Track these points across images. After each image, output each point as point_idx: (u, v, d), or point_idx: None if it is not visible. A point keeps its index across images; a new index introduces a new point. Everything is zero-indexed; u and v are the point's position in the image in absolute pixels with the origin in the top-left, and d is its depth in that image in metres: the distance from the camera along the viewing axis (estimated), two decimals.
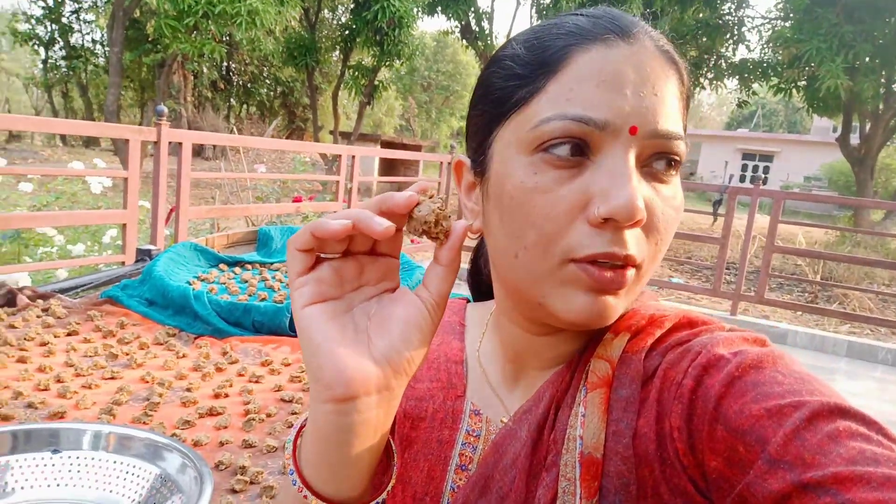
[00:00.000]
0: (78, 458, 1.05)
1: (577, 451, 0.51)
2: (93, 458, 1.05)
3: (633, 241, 0.49)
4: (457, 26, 15.69)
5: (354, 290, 0.47)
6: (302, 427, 0.50)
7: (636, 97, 0.49)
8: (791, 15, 12.58)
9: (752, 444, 0.43)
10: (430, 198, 0.46)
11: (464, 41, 16.31)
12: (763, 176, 6.22)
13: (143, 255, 2.56)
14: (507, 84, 0.53)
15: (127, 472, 1.04)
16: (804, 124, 29.78)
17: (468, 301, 0.75)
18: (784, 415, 0.42)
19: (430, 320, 0.46)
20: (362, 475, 0.47)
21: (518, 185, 0.51)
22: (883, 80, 12.23)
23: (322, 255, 0.46)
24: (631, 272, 0.50)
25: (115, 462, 1.04)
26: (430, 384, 0.66)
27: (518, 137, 0.51)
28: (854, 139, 13.99)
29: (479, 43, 15.82)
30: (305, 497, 0.47)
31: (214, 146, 16.10)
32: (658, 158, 0.51)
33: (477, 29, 15.84)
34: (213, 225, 6.22)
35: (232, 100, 22.80)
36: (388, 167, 15.00)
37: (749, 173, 28.70)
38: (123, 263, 3.81)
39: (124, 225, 3.78)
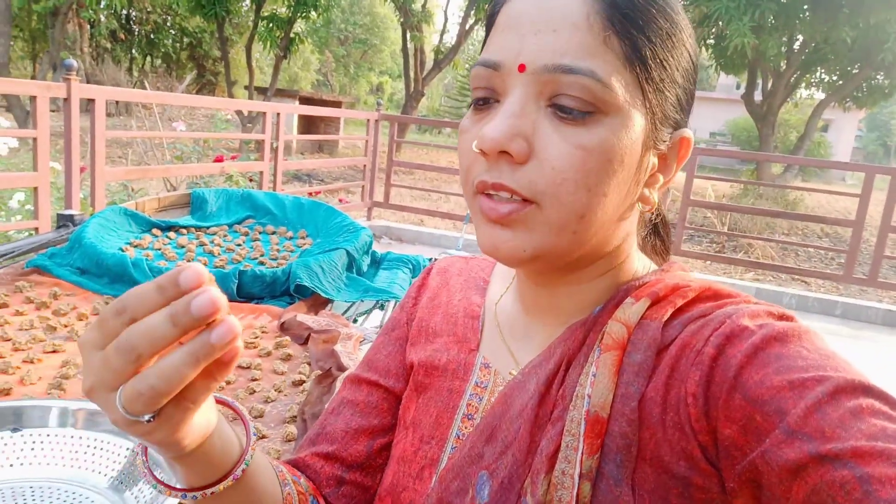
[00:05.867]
0: (40, 435, 1.01)
1: (583, 409, 0.51)
2: (59, 436, 1.01)
3: (509, 172, 0.51)
4: None
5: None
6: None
7: (530, 36, 0.50)
8: None
9: (770, 414, 0.43)
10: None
11: None
12: None
13: (66, 220, 2.40)
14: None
15: (98, 448, 1.00)
16: (710, 81, 31.01)
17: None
18: (806, 388, 0.42)
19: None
20: (217, 461, 0.49)
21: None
22: (785, 39, 12.85)
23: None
24: (518, 206, 0.51)
25: (83, 438, 1.01)
26: (447, 338, 0.68)
27: None
28: (757, 95, 14.71)
29: None
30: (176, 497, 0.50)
31: (117, 102, 15.11)
32: (559, 97, 0.50)
33: None
34: (127, 187, 5.90)
35: (134, 51, 21.34)
36: (308, 124, 14.58)
37: None
38: (37, 230, 3.58)
39: (35, 188, 3.54)
